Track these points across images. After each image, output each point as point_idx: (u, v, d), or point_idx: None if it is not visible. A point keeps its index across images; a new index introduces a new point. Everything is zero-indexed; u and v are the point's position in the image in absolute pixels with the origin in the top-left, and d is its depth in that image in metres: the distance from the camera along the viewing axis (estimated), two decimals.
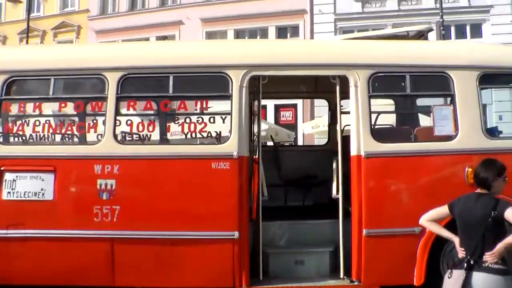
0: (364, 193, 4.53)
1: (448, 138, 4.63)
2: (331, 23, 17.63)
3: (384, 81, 4.79)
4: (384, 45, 4.92)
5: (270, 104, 16.46)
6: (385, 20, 16.91)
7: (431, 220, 3.67)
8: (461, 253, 3.45)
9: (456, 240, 3.52)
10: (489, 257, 3.27)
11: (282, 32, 18.99)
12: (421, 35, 5.36)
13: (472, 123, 4.63)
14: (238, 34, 19.32)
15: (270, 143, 7.70)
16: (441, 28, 13.11)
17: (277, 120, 17.18)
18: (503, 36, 16.39)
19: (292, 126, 16.79)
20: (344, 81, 4.74)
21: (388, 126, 5.62)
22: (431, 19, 15.21)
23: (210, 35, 19.63)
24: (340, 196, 4.67)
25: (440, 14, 12.92)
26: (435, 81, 4.84)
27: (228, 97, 4.73)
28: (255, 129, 5.78)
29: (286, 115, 17.85)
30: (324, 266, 4.87)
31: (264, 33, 18.98)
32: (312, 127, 13.14)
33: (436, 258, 4.58)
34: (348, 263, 4.61)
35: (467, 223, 3.40)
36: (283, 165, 6.27)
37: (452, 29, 16.84)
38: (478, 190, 3.50)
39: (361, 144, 4.56)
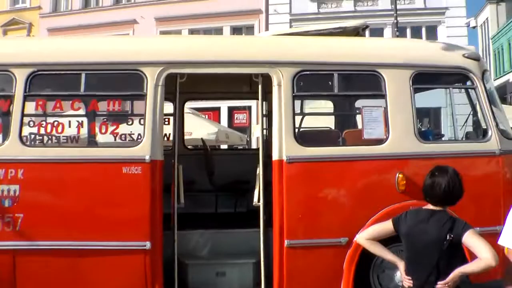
0: (286, 201, 4.16)
1: (378, 141, 4.32)
2: (287, 23, 17.38)
3: (310, 80, 4.45)
4: (312, 42, 4.57)
5: (224, 106, 16.12)
6: (341, 21, 16.61)
7: (371, 238, 3.07)
8: (407, 282, 2.93)
9: (401, 265, 3.00)
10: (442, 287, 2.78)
11: (237, 32, 18.63)
12: (357, 32, 5.07)
13: (404, 125, 4.34)
14: (193, 34, 18.72)
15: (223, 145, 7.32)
16: (396, 29, 13.02)
17: (230, 123, 16.82)
18: (458, 38, 16.49)
19: (246, 129, 16.40)
20: (268, 80, 4.40)
21: (321, 128, 5.29)
22: (387, 20, 15.18)
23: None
24: (261, 204, 4.32)
25: (395, 15, 12.86)
26: (366, 81, 4.54)
27: (143, 97, 4.34)
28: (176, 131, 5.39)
29: (240, 118, 17.48)
30: (247, 278, 4.52)
31: (219, 33, 18.60)
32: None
33: (365, 270, 4.28)
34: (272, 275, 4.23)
35: (418, 248, 2.81)
36: (215, 170, 5.91)
37: (408, 30, 16.87)
38: (430, 206, 2.91)
39: (283, 148, 4.20)
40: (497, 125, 4.51)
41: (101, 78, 4.56)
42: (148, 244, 4.11)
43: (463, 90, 4.76)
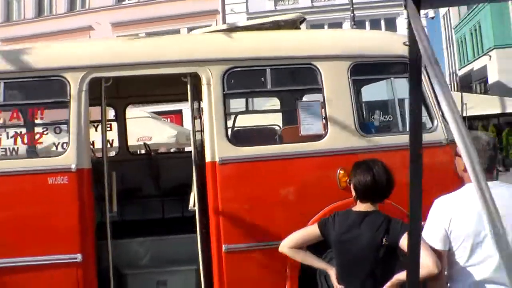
0: (221, 204, 3.96)
1: (317, 137, 4.15)
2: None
3: (241, 77, 4.26)
4: (243, 37, 4.36)
5: (185, 108, 15.80)
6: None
7: (295, 246, 2.68)
8: None
9: (332, 273, 2.69)
10: None
11: None
12: (295, 25, 4.91)
13: (343, 119, 4.16)
14: None
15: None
16: (353, 23, 12.97)
17: None
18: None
19: None
20: (197, 79, 4.18)
21: (258, 126, 5.10)
22: (345, 14, 15.14)
23: None
24: (196, 208, 4.11)
25: (351, 9, 12.83)
26: (302, 74, 4.38)
27: (66, 103, 4.10)
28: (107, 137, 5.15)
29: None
30: (189, 286, 4.30)
31: None
32: None
33: (312, 270, 4.13)
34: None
35: (350, 254, 2.50)
36: (160, 174, 5.68)
37: (367, 23, 16.92)
38: (360, 207, 2.58)
39: (216, 149, 3.99)
40: (443, 114, 4.42)
41: (22, 85, 4.32)
42: (79, 257, 3.89)
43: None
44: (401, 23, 17.00)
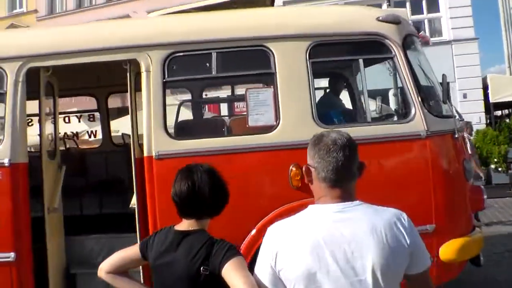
0: (158, 203, 3.56)
1: (267, 129, 3.65)
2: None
3: (186, 63, 3.82)
4: (188, 19, 3.91)
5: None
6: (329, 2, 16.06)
7: (114, 271, 2.08)
8: None
9: None
10: None
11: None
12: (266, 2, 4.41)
13: (299, 108, 3.63)
14: None
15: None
16: (388, 3, 12.00)
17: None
18: (461, 9, 15.31)
19: None
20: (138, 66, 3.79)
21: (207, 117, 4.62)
22: None
23: None
24: (136, 206, 3.77)
25: None
26: (252, 58, 3.86)
27: (3, 95, 3.90)
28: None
29: None
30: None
31: None
32: None
33: None
34: None
35: (165, 283, 1.95)
36: (93, 169, 5.43)
37: (407, 4, 15.72)
38: (183, 225, 1.99)
39: (152, 142, 3.61)
40: (423, 101, 3.76)
41: None
42: (12, 255, 3.66)
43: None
44: (444, 2, 15.65)
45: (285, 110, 3.65)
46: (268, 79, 3.71)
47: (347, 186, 1.66)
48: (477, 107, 14.77)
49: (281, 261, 1.59)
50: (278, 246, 1.61)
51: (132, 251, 2.09)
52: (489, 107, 15.04)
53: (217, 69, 3.71)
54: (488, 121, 15.52)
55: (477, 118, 14.38)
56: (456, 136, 3.81)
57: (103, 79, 5.50)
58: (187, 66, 3.82)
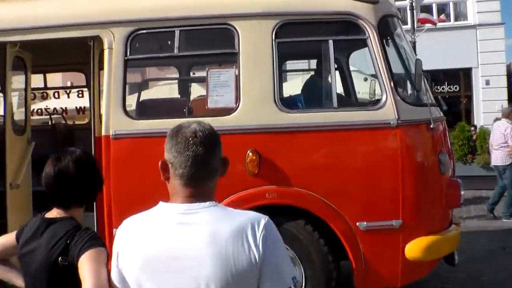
0: (113, 184, 3.36)
1: (227, 111, 3.38)
2: None
3: (148, 41, 3.56)
4: None
5: None
6: None
7: None
8: None
9: None
10: None
11: None
12: None
13: (260, 90, 3.32)
14: None
15: None
16: None
17: None
18: None
19: None
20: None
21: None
22: None
23: None
24: None
25: None
26: (216, 37, 3.56)
27: None
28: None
29: None
30: None
31: None
32: None
33: None
34: None
35: (29, 272, 1.72)
36: (78, 145, 5.17)
37: None
38: (52, 212, 1.73)
39: (110, 121, 3.39)
40: (396, 87, 3.37)
41: None
42: None
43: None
44: None
45: (246, 92, 3.35)
46: (232, 59, 3.40)
47: (203, 185, 1.37)
48: (500, 95, 13.81)
49: (121, 261, 1.35)
50: (119, 245, 1.37)
51: (10, 237, 1.84)
52: None
53: (179, 47, 3.43)
54: None
55: (499, 105, 13.49)
56: (432, 126, 3.41)
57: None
58: (150, 44, 3.57)
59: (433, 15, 13.75)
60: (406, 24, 13.63)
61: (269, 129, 3.32)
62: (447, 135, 3.97)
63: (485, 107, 13.92)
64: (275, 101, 3.32)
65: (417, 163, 3.39)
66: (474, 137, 10.42)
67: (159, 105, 3.87)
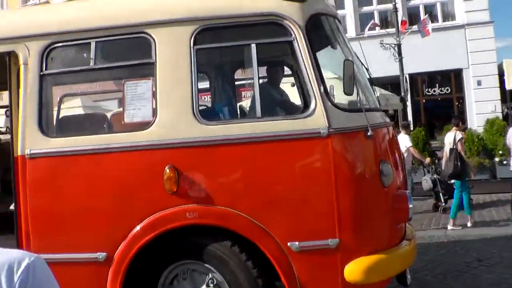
0: (30, 206, 3.02)
1: (143, 126, 2.99)
2: None
3: (65, 54, 3.21)
4: (67, 7, 3.31)
5: None
6: None
7: None
8: None
9: None
10: None
11: None
12: None
13: (178, 102, 2.93)
14: None
15: None
16: None
17: None
18: None
19: None
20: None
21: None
22: None
23: None
24: (13, 208, 3.22)
25: None
26: (133, 47, 3.18)
27: None
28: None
29: None
30: None
31: None
32: None
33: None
34: None
35: None
36: None
37: None
38: None
39: (26, 140, 3.04)
40: (326, 92, 2.95)
41: None
42: None
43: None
44: None
45: (163, 104, 2.96)
46: (148, 70, 3.02)
47: None
48: (492, 95, 13.07)
49: None
50: None
51: None
52: (505, 95, 13.36)
53: (96, 60, 3.07)
54: (506, 110, 13.84)
55: (492, 106, 12.85)
56: (370, 133, 2.97)
57: None
58: (66, 57, 3.21)
59: (420, 16, 13.23)
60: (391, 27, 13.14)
61: (187, 144, 2.92)
62: (396, 143, 3.52)
63: (478, 108, 13.24)
64: (193, 113, 2.93)
65: (353, 176, 2.94)
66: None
67: (78, 121, 3.51)
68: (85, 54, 3.12)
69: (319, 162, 2.90)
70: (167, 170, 2.88)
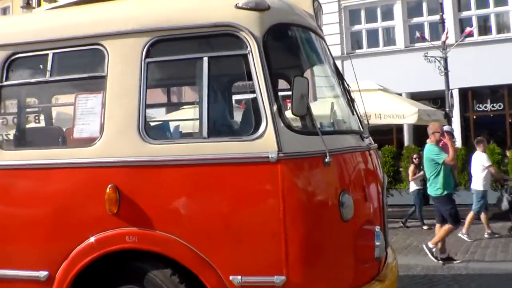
0: None
1: (90, 142, 2.80)
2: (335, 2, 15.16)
3: (25, 66, 3.10)
4: (29, 16, 3.22)
5: None
6: None
7: None
8: None
9: None
10: None
11: None
12: None
13: (123, 118, 2.72)
14: None
15: None
16: None
17: None
18: None
19: None
20: None
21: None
22: None
23: None
24: None
25: None
26: (89, 59, 3.01)
27: None
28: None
29: None
30: None
31: None
32: None
33: None
34: None
35: None
36: None
37: None
38: None
39: None
40: (279, 111, 2.58)
41: None
42: None
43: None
44: None
45: (109, 120, 2.76)
46: (100, 83, 2.83)
47: None
48: None
49: None
50: None
51: None
52: None
53: (51, 72, 2.95)
54: None
55: None
56: (327, 160, 2.56)
57: None
58: (28, 69, 3.11)
59: (472, 27, 12.15)
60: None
61: (129, 163, 2.69)
62: (374, 170, 3.05)
63: None
64: (139, 130, 2.69)
65: (304, 207, 2.54)
66: (507, 160, 8.77)
67: (34, 134, 3.40)
68: (41, 65, 3.00)
69: (267, 190, 2.54)
70: (108, 190, 2.66)
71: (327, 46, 3.38)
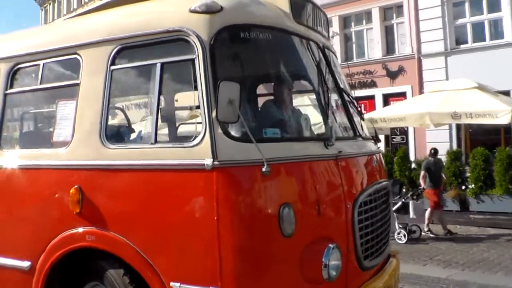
0: None
1: (63, 145, 3.03)
2: None
3: (26, 75, 3.46)
4: (34, 31, 3.54)
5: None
6: None
7: None
8: None
9: None
10: None
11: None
12: None
13: (88, 124, 2.92)
14: None
15: None
16: None
17: None
18: None
19: None
20: None
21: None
22: None
23: None
24: None
25: None
26: (69, 68, 3.24)
27: None
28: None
29: None
30: None
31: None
32: None
33: None
34: None
35: None
36: None
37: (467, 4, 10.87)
38: None
39: None
40: (217, 117, 2.48)
41: None
42: None
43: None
44: None
45: (78, 125, 2.99)
46: (76, 90, 3.06)
47: None
48: None
49: None
50: None
51: None
52: None
53: (41, 81, 3.28)
54: None
55: None
56: (265, 170, 2.43)
57: None
58: (27, 78, 3.49)
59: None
60: None
61: (90, 166, 2.87)
62: (326, 181, 2.77)
63: None
64: (100, 135, 2.86)
65: (238, 218, 2.44)
66: None
67: (28, 136, 3.77)
68: (34, 75, 3.35)
69: (203, 199, 2.50)
70: (72, 191, 2.89)
71: (315, 45, 3.19)
